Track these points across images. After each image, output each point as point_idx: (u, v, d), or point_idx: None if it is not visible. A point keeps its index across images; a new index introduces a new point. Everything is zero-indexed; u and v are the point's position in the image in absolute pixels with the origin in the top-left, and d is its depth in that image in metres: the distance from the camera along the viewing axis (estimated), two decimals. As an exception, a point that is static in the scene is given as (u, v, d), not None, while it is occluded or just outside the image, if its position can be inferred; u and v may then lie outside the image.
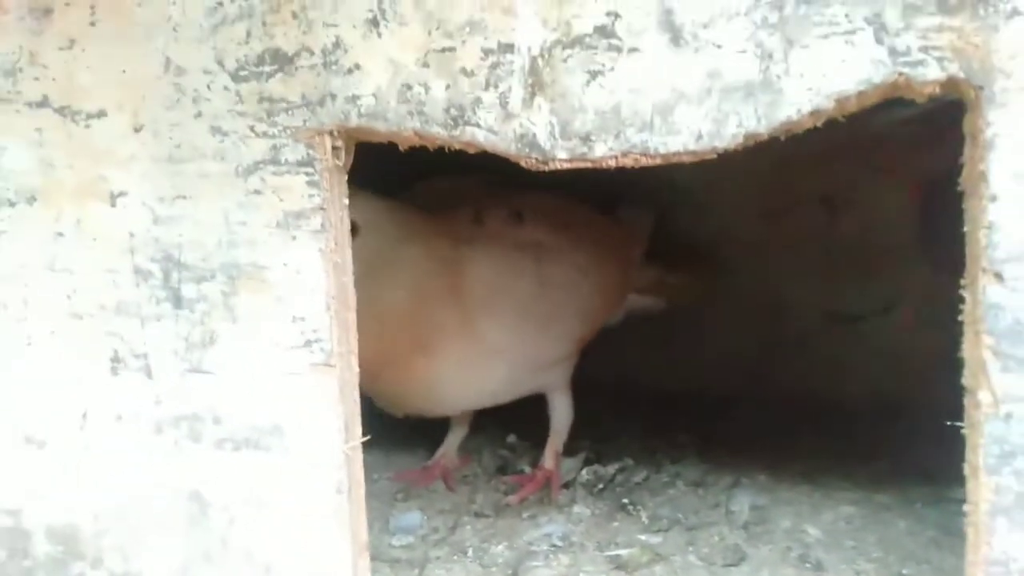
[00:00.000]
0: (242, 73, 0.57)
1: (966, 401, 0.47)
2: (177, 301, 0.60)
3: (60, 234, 0.63)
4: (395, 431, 1.19)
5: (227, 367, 0.60)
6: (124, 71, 0.60)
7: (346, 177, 0.59)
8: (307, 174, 0.56)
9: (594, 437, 1.19)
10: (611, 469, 1.04)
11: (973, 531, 0.47)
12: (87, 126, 0.62)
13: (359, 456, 0.60)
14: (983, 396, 0.45)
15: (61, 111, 0.62)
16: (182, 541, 0.63)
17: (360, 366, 0.91)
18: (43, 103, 0.62)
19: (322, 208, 0.56)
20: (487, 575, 0.82)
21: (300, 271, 0.57)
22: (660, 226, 1.35)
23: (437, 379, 0.93)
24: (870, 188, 1.32)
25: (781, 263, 1.38)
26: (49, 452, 0.66)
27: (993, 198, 0.45)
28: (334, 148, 0.56)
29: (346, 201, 0.58)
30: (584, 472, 1.03)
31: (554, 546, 0.88)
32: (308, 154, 0.56)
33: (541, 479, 1.03)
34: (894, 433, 1.17)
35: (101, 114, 0.61)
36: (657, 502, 0.99)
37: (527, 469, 1.08)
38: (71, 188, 0.62)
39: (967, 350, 0.47)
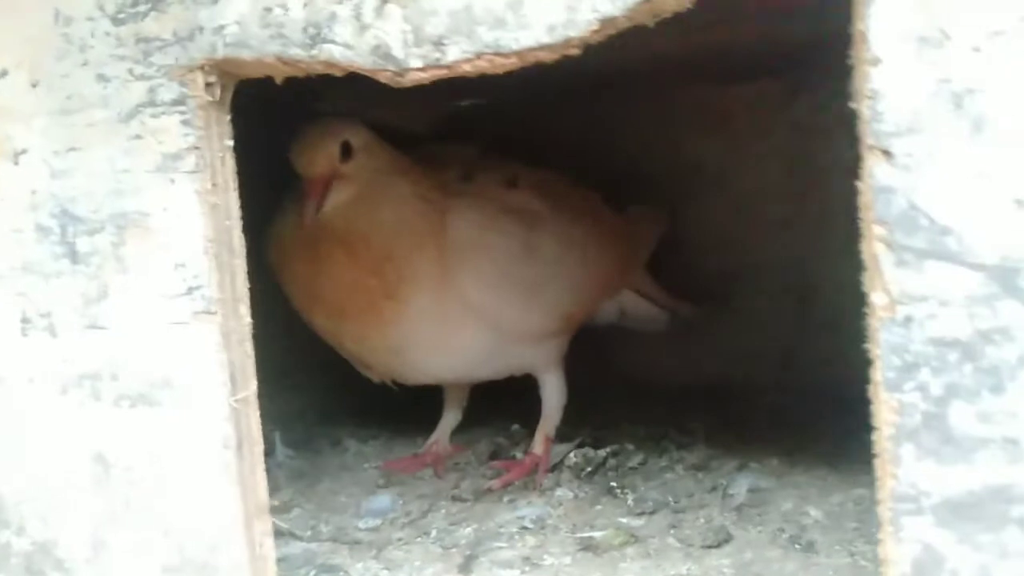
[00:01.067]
0: (120, 16, 0.56)
1: (867, 309, 0.40)
2: (73, 256, 0.59)
3: (-25, 198, 0.63)
4: (394, 421, 1.16)
5: (120, 321, 0.58)
6: (21, 28, 0.60)
7: (227, 117, 0.56)
8: (181, 113, 0.54)
9: (598, 425, 1.13)
10: (602, 453, 0.98)
11: (880, 463, 0.39)
12: (-8, 87, 0.62)
13: (252, 410, 0.57)
14: (878, 297, 0.38)
15: (-29, 75, 0.62)
16: (91, 504, 0.61)
17: (328, 310, 0.89)
18: (-44, 69, 0.63)
19: (196, 147, 0.54)
20: (446, 556, 0.77)
21: (179, 215, 0.55)
22: (677, 225, 1.29)
23: (406, 332, 0.89)
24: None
25: (809, 241, 1.28)
26: (-26, 419, 0.65)
27: (875, 62, 0.38)
28: (207, 84, 0.54)
29: (228, 142, 0.56)
30: (572, 455, 0.97)
31: (524, 528, 0.82)
32: (181, 92, 0.54)
33: (528, 464, 0.98)
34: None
35: (4, 73, 0.61)
36: (649, 486, 0.92)
37: (519, 456, 1.03)
38: (-18, 151, 0.62)
39: (864, 247, 0.40)
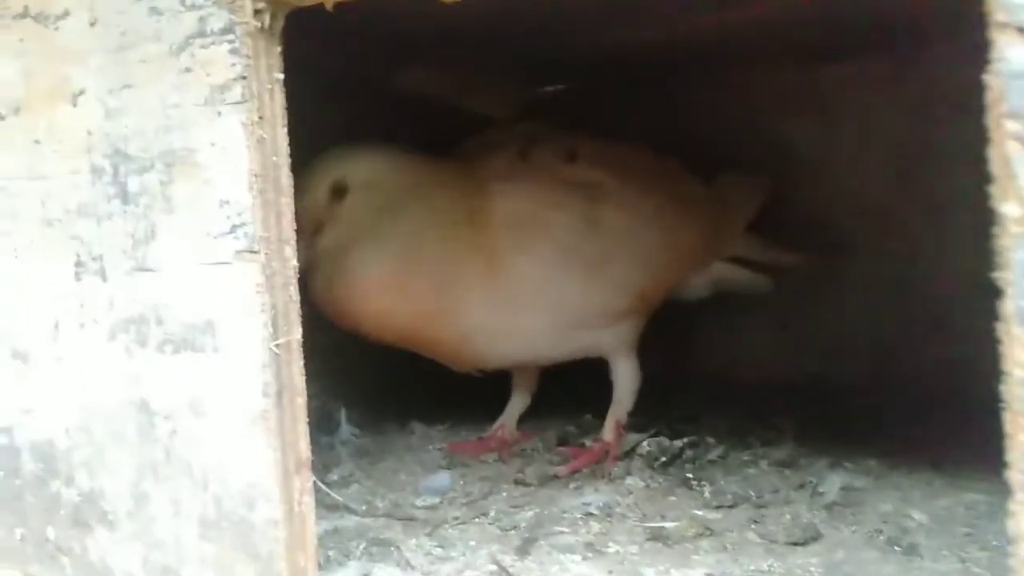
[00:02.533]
0: (174, -54, 0.54)
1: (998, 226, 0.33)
2: (124, 196, 0.58)
3: (37, 141, 0.63)
4: (463, 406, 1.13)
5: (166, 262, 0.56)
6: (83, -33, 0.59)
7: (278, 48, 0.53)
8: (229, 42, 0.52)
9: (677, 418, 1.06)
10: (678, 443, 0.91)
11: (1009, 416, 0.32)
12: (56, 28, 0.61)
13: (295, 357, 0.54)
14: (1009, 208, 0.31)
15: (37, 18, 0.62)
16: (133, 454, 0.59)
17: (378, 335, 0.87)
18: (24, 14, 0.63)
19: (243, 77, 0.51)
20: (503, 538, 0.72)
21: (225, 149, 0.53)
22: (777, 197, 1.21)
23: (466, 328, 0.86)
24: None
25: (918, 231, 1.18)
26: (31, 366, 0.65)
27: (1007, -77, 0.31)
28: (256, 11, 0.52)
29: (278, 75, 0.53)
30: (646, 444, 0.91)
31: (589, 514, 0.77)
32: (230, 20, 0.52)
33: (598, 451, 0.92)
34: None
35: (66, 14, 0.61)
36: (729, 480, 0.85)
37: (588, 443, 0.97)
38: (45, 93, 0.62)
39: (993, 149, 0.33)
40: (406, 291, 0.82)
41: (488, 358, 0.92)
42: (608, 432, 0.93)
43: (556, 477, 0.88)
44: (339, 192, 0.82)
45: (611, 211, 0.89)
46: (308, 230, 0.80)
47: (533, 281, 0.85)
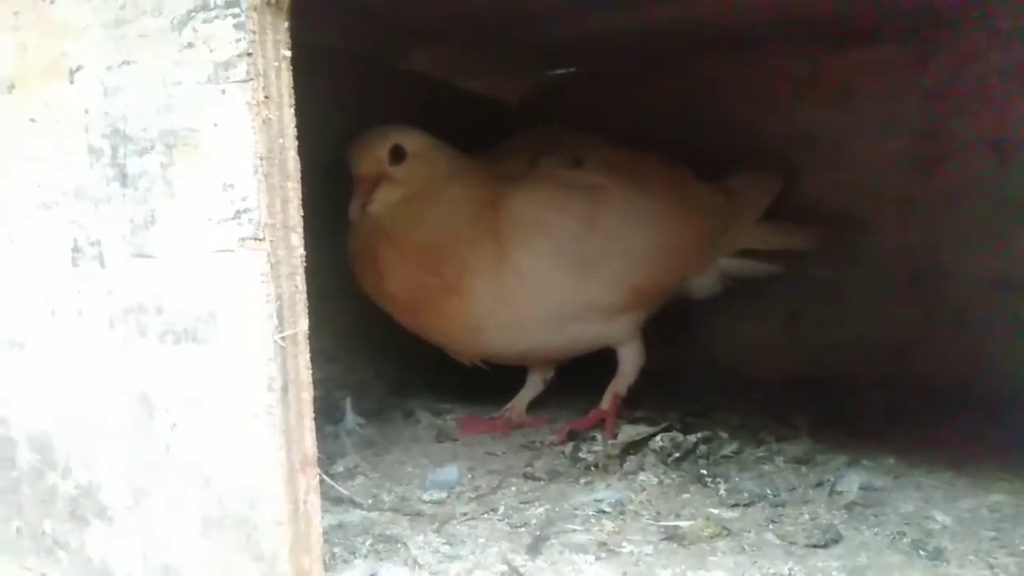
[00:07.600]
0: (176, -86, 0.51)
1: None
2: (123, 179, 0.55)
3: (32, 120, 0.60)
4: (469, 396, 1.11)
5: (167, 249, 0.54)
6: (81, -63, 0.56)
7: (285, 23, 0.50)
8: (234, 16, 0.49)
9: (689, 412, 1.04)
10: (692, 439, 0.89)
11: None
12: (52, 2, 0.59)
13: (302, 350, 0.51)
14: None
15: (32, -10, 0.59)
16: (132, 448, 0.57)
17: (400, 308, 0.93)
18: (18, -14, 0.60)
19: (248, 53, 0.48)
20: (513, 535, 0.70)
21: (228, 130, 0.50)
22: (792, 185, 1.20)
23: (477, 317, 0.91)
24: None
25: (937, 222, 1.15)
26: (27, 354, 0.63)
27: None
28: (263, -16, 0.48)
29: (285, 52, 0.50)
30: (659, 439, 0.88)
31: (601, 511, 0.74)
32: (235, -7, 0.49)
33: (593, 417, 0.97)
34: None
35: (62, -14, 0.57)
36: (744, 477, 0.82)
37: (598, 437, 0.95)
38: (40, 69, 0.59)
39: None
40: (432, 259, 0.89)
41: (495, 348, 0.97)
42: (605, 401, 0.98)
43: (553, 444, 0.93)
44: (398, 155, 0.90)
45: (608, 213, 0.94)
46: (366, 186, 0.89)
47: (533, 277, 0.90)
